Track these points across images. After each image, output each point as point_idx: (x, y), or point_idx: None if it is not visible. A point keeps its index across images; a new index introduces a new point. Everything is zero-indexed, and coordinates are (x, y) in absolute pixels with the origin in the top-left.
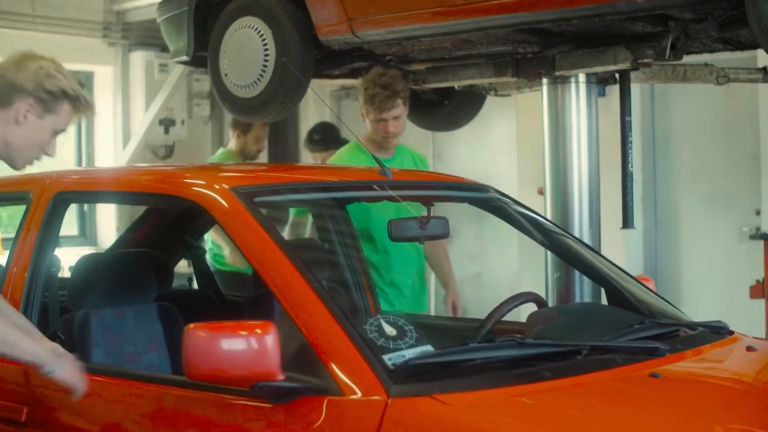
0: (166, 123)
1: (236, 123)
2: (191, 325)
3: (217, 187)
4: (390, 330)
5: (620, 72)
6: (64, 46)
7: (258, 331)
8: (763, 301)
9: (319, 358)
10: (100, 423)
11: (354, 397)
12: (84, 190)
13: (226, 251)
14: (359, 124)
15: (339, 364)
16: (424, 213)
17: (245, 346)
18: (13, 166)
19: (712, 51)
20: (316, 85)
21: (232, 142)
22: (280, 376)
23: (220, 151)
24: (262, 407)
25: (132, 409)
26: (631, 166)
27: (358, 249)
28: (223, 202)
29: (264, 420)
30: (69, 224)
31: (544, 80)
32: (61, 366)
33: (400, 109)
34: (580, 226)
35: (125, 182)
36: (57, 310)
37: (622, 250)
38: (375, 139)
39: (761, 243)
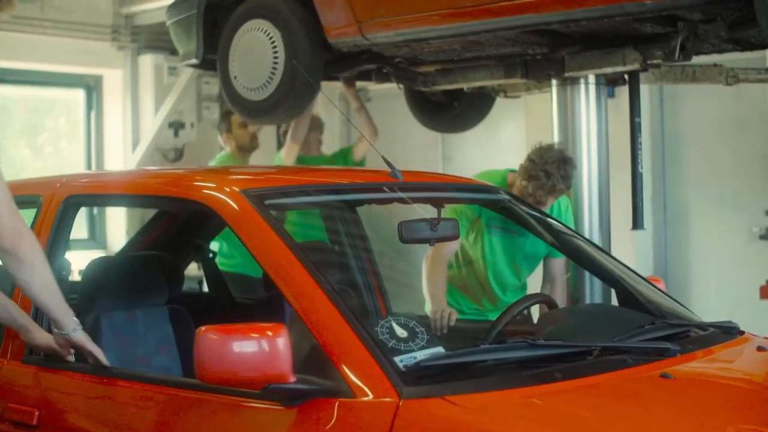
0: (176, 126)
1: (219, 128)
2: (203, 328)
3: (228, 189)
4: (401, 332)
5: (629, 73)
6: (73, 49)
7: (269, 333)
8: None
9: (331, 360)
10: (111, 426)
11: (365, 398)
12: (94, 194)
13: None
14: None
15: (350, 365)
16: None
17: (257, 348)
18: None
19: (721, 51)
20: (325, 87)
21: (228, 145)
22: (292, 378)
23: (220, 154)
24: (274, 409)
25: (144, 412)
26: (641, 167)
27: (369, 251)
28: (234, 205)
29: (275, 422)
30: (78, 227)
31: (554, 81)
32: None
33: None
34: (589, 227)
35: (135, 185)
36: None
37: (631, 251)
38: None
39: None
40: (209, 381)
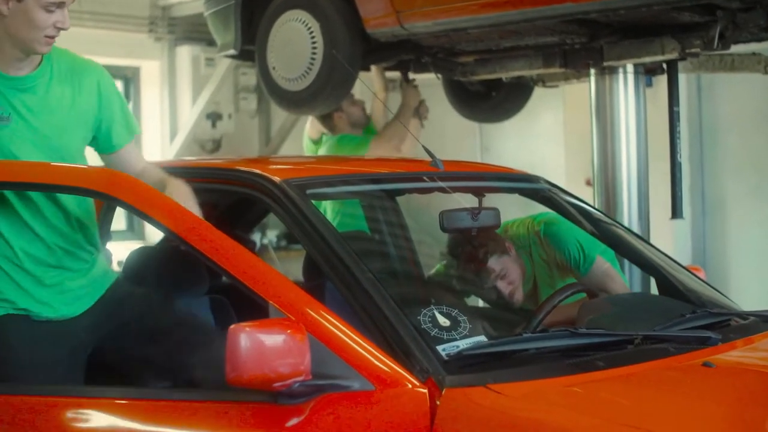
0: (213, 117)
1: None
2: (232, 326)
3: (270, 179)
4: (443, 320)
5: (668, 62)
6: (110, 41)
7: (291, 330)
8: None
9: (374, 348)
10: None
11: (408, 387)
12: None
13: None
14: None
15: (393, 354)
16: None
17: (286, 343)
18: (37, 52)
19: (760, 40)
20: (363, 78)
21: (336, 128)
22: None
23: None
24: (311, 401)
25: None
26: (680, 157)
27: (409, 240)
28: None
29: (318, 413)
30: (116, 218)
31: (592, 71)
32: None
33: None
34: (628, 217)
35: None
36: None
37: (670, 241)
38: None
39: None
40: (240, 383)
